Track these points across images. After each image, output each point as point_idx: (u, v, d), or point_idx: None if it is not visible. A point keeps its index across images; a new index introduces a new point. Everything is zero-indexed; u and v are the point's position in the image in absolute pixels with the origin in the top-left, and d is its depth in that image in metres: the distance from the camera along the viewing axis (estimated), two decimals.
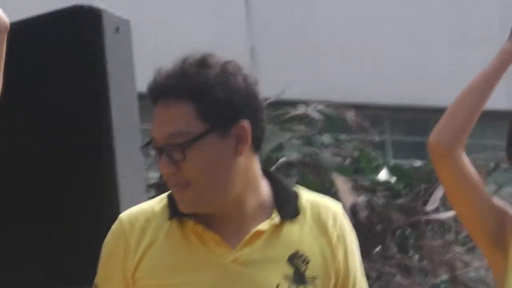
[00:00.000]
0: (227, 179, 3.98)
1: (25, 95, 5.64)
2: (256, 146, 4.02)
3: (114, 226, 4.18)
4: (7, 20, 4.48)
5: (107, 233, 4.27)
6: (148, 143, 4.09)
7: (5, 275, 5.97)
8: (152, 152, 4.16)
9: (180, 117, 3.92)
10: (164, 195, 4.23)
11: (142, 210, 4.24)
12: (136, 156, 6.06)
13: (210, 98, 3.91)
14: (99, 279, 4.13)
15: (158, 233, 4.07)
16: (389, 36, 19.74)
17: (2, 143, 5.22)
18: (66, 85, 6.16)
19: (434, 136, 4.76)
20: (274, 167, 12.18)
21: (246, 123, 3.90)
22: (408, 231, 12.16)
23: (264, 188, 4.05)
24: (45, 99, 6.04)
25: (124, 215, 4.20)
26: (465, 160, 4.80)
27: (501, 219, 4.80)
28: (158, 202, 4.17)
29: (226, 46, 15.77)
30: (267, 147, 12.65)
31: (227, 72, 3.89)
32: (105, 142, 5.91)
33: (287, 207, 4.06)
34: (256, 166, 4.03)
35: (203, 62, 3.91)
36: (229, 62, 3.94)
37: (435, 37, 22.06)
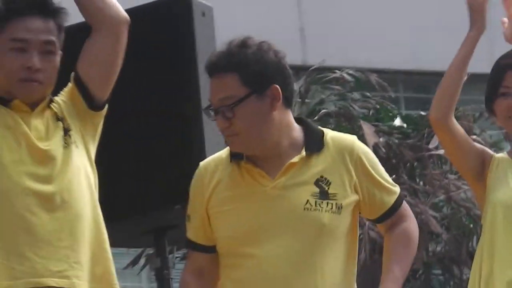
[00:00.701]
0: (265, 129, 4.26)
1: (133, 73, 4.85)
2: (287, 103, 4.31)
3: (196, 172, 4.48)
4: (126, 14, 4.41)
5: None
6: (208, 107, 4.38)
7: (129, 200, 5.90)
8: (212, 113, 4.40)
9: (228, 85, 4.19)
10: (227, 149, 4.48)
11: (213, 158, 4.54)
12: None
13: (249, 70, 4.23)
14: (189, 211, 4.45)
15: (224, 174, 4.38)
16: (400, 24, 19.33)
17: (122, 111, 5.15)
18: (165, 60, 6.20)
19: (432, 112, 5.06)
20: (316, 117, 12.15)
21: (277, 87, 4.23)
22: (415, 164, 12.07)
23: (297, 132, 4.31)
24: (149, 73, 6.01)
25: (201, 163, 4.49)
26: (455, 123, 5.05)
27: (481, 160, 5.09)
28: (225, 151, 4.42)
29: (280, 27, 15.57)
30: (312, 101, 12.75)
31: (261, 50, 4.18)
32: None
33: (313, 144, 4.31)
34: (289, 117, 4.29)
35: (243, 43, 4.22)
36: (263, 42, 4.23)
37: (432, 22, 20.98)
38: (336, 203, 4.24)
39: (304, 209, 4.20)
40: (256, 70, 4.30)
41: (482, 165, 5.14)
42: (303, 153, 4.28)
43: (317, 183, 4.29)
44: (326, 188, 4.27)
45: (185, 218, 4.58)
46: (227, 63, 4.36)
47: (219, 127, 4.40)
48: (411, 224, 4.45)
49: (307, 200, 4.19)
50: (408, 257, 4.42)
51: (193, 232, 4.41)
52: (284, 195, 4.26)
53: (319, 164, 4.33)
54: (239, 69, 4.30)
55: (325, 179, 4.34)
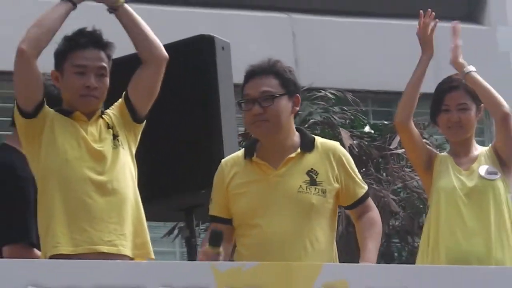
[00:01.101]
0: (285, 123, 4.59)
1: (170, 92, 4.70)
2: (295, 114, 4.80)
3: (218, 166, 4.77)
4: (166, 53, 4.63)
5: (217, 165, 4.85)
6: (240, 100, 4.67)
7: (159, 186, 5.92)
8: (243, 106, 4.67)
9: (270, 84, 4.53)
10: (242, 149, 4.89)
11: (232, 156, 4.87)
12: (232, 122, 6.23)
13: (285, 77, 4.59)
14: (212, 195, 4.70)
15: (240, 167, 4.68)
16: (371, 55, 18.93)
17: (166, 123, 5.68)
18: (194, 83, 6.20)
19: (397, 118, 5.55)
20: (307, 125, 12.13)
21: (299, 96, 4.70)
22: (380, 160, 12.20)
23: (296, 136, 4.68)
24: (182, 93, 6.06)
25: (223, 160, 4.84)
26: (413, 126, 5.42)
27: (429, 157, 5.46)
28: (240, 152, 4.79)
29: (278, 57, 15.71)
30: (303, 113, 12.41)
31: (290, 68, 4.66)
32: (215, 122, 6.07)
33: (307, 146, 4.67)
34: (293, 123, 4.74)
35: (278, 60, 4.63)
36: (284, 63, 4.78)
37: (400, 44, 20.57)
38: (322, 189, 4.56)
39: (298, 192, 4.50)
40: (290, 79, 4.68)
41: (430, 160, 5.44)
42: (299, 151, 4.59)
43: (308, 173, 4.57)
44: (315, 177, 4.56)
45: (209, 200, 4.79)
46: (270, 69, 4.69)
47: (252, 114, 4.59)
48: (376, 213, 4.74)
49: (300, 185, 4.51)
50: (378, 236, 4.70)
51: (216, 209, 4.67)
52: (283, 181, 4.55)
53: (310, 160, 4.62)
54: (279, 74, 4.64)
55: (314, 170, 4.60)
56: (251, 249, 4.63)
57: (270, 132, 4.60)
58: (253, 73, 4.70)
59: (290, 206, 4.59)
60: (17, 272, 3.72)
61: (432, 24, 5.37)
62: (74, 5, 4.57)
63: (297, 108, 4.85)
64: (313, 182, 4.61)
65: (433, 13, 5.29)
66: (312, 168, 4.64)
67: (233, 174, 4.76)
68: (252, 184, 4.63)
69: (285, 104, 4.73)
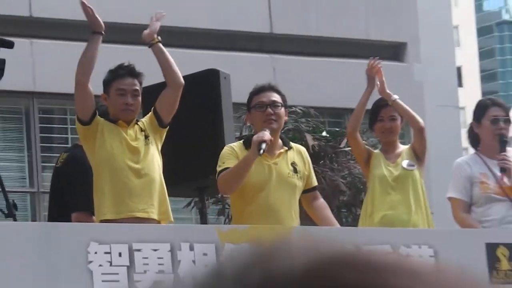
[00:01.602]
0: (281, 126, 5.01)
1: (186, 109, 5.06)
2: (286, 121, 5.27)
3: (228, 148, 4.92)
4: (183, 80, 4.80)
5: (218, 152, 5.02)
6: (257, 104, 4.84)
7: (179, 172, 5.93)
8: (258, 108, 4.89)
9: (276, 97, 4.76)
10: (241, 141, 5.13)
11: (234, 145, 5.04)
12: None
13: (282, 95, 4.83)
14: (225, 163, 4.72)
15: (243, 153, 4.75)
16: (328, 81, 18.69)
17: (184, 129, 5.75)
18: (203, 103, 6.29)
19: (348, 128, 5.71)
20: (282, 130, 11.59)
21: (287, 110, 5.08)
22: (333, 155, 12.08)
23: (279, 139, 4.89)
24: (194, 109, 6.07)
25: (229, 145, 5.06)
26: (358, 134, 5.49)
27: (368, 154, 5.52)
28: (239, 143, 4.99)
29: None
30: None
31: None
32: (219, 129, 6.09)
33: (288, 145, 4.92)
34: None
35: (275, 86, 5.06)
36: None
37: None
38: (300, 176, 4.84)
39: (287, 176, 4.76)
40: (284, 97, 4.97)
41: (368, 156, 5.49)
42: (285, 148, 4.87)
43: (292, 164, 4.86)
44: (296, 168, 4.85)
45: (216, 176, 4.86)
46: (274, 88, 5.05)
47: (266, 114, 4.89)
48: (323, 200, 5.18)
49: (288, 172, 4.78)
50: (331, 213, 5.20)
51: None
52: (277, 167, 4.80)
53: (291, 156, 4.91)
54: (279, 93, 4.96)
55: (295, 163, 4.90)
56: (254, 214, 4.79)
57: (276, 130, 4.83)
58: (263, 88, 4.97)
59: (283, 185, 4.83)
60: (83, 231, 4.09)
61: (377, 66, 5.30)
62: (102, 34, 4.72)
63: (287, 118, 5.41)
64: (295, 171, 4.84)
65: (379, 59, 5.30)
66: (293, 161, 4.89)
67: (241, 155, 4.83)
68: (256, 166, 4.71)
69: (283, 112, 5.00)
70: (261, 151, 4.78)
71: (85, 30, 5.62)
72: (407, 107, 5.52)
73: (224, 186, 4.98)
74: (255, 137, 4.77)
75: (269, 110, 4.84)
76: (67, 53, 7.87)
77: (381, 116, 5.41)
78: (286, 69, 18.55)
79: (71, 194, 5.23)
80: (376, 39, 15.33)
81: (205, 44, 15.85)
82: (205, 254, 3.89)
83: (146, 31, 4.90)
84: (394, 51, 14.72)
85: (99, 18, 4.80)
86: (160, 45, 4.92)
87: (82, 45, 5.16)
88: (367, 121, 6.06)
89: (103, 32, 4.86)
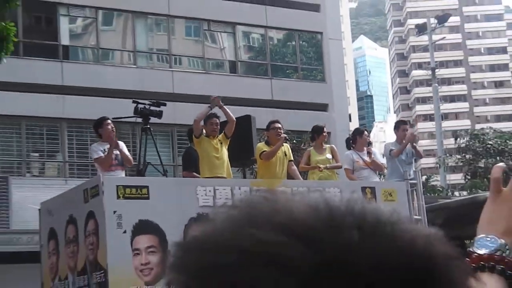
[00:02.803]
0: None
1: (236, 133, 8.86)
2: None
3: (260, 145, 9.04)
4: (234, 118, 8.46)
5: (250, 149, 9.39)
6: (278, 130, 8.69)
7: None
8: (277, 130, 8.72)
9: (282, 125, 8.69)
10: (263, 142, 9.11)
11: (262, 143, 9.10)
12: (255, 140, 9.78)
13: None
14: (261, 149, 8.76)
15: (266, 148, 8.75)
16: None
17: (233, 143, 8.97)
18: (244, 132, 9.52)
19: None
20: None
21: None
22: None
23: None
24: (237, 136, 9.00)
25: (260, 143, 9.13)
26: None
27: (308, 157, 9.35)
28: (263, 143, 9.04)
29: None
30: None
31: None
32: (250, 144, 9.42)
33: (290, 151, 9.16)
34: None
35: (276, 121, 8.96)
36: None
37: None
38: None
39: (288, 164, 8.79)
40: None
41: (309, 154, 9.28)
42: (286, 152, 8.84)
43: (289, 161, 8.89)
44: (292, 161, 8.91)
45: (259, 155, 8.76)
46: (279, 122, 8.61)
47: (282, 135, 8.72)
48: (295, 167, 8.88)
49: (288, 163, 8.75)
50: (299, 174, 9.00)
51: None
52: (285, 161, 8.68)
53: (288, 153, 8.86)
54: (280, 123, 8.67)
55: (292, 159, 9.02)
56: (265, 177, 8.43)
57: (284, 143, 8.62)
58: (277, 121, 8.77)
59: (282, 165, 8.61)
60: (191, 183, 7.63)
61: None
62: (210, 108, 8.32)
63: None
64: (284, 156, 8.63)
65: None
66: (290, 159, 8.80)
67: (266, 148, 8.54)
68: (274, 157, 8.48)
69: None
70: None
71: None
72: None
73: (267, 158, 8.45)
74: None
75: (284, 133, 8.59)
76: None
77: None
78: (283, 93, 20.20)
79: (185, 162, 8.99)
80: None
81: None
82: (245, 191, 7.20)
83: (216, 99, 8.35)
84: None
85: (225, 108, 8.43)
86: (224, 107, 8.43)
87: None
88: None
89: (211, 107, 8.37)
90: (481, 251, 0.96)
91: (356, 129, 10.28)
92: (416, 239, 0.51)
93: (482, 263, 0.95)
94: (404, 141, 9.21)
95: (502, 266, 0.95)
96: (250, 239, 0.51)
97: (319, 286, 0.49)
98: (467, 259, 0.93)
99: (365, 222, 0.51)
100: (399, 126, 9.65)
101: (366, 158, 9.12)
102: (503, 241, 0.98)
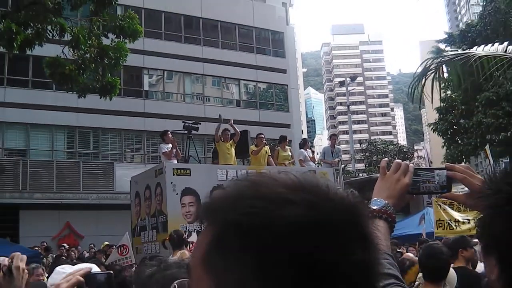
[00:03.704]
0: None
1: (240, 142, 11.32)
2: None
3: (252, 146, 11.41)
4: (239, 132, 10.58)
5: (246, 149, 11.59)
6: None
7: None
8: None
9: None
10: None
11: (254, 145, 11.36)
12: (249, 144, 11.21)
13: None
14: (253, 148, 11.07)
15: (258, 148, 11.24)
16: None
17: None
18: (244, 142, 11.76)
19: None
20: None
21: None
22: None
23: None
24: (243, 143, 11.42)
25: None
26: None
27: (277, 153, 12.51)
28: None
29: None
30: None
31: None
32: (246, 149, 11.35)
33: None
34: None
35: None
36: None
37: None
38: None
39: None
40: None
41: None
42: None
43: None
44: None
45: (250, 152, 11.79)
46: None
47: (264, 139, 11.31)
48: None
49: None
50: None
51: None
52: (265, 155, 11.28)
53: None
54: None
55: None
56: (257, 164, 10.68)
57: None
58: (261, 133, 11.16)
59: (266, 161, 10.93)
60: (214, 167, 10.52)
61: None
62: (226, 125, 10.85)
63: None
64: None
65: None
66: (269, 154, 11.14)
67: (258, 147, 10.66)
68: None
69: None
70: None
71: None
72: None
73: (255, 154, 10.64)
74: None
75: (262, 139, 10.39)
76: None
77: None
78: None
79: (212, 156, 11.93)
80: None
81: None
82: (243, 173, 9.29)
83: (230, 121, 10.81)
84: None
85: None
86: (234, 126, 10.85)
87: None
88: None
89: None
90: (375, 207, 1.34)
91: (304, 139, 14.09)
92: (342, 194, 0.71)
93: (375, 214, 1.33)
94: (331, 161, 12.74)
95: (385, 216, 1.33)
96: (255, 193, 0.68)
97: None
98: None
99: (317, 187, 0.70)
100: (331, 137, 13.75)
101: (310, 155, 12.83)
102: (386, 201, 1.35)
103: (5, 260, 2.11)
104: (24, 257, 2.07)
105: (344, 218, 0.69)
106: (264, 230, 0.64)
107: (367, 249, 0.68)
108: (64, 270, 2.26)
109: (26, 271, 2.04)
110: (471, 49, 6.86)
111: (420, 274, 4.45)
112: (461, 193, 1.40)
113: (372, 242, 0.70)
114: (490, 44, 6.73)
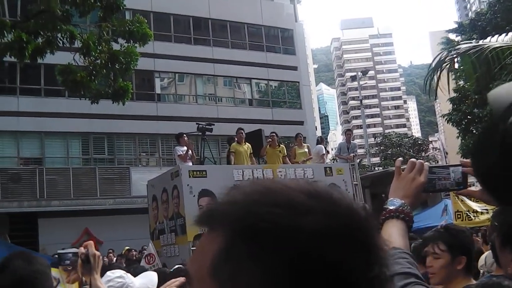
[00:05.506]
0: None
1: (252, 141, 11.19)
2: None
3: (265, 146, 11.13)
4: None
5: (260, 148, 11.45)
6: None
7: None
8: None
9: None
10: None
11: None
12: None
13: None
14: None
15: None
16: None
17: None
18: (258, 140, 11.73)
19: None
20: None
21: None
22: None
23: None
24: (256, 142, 11.58)
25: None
26: None
27: (294, 151, 12.43)
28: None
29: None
30: None
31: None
32: (260, 147, 11.19)
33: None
34: None
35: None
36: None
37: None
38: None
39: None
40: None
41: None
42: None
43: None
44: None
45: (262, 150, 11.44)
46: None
47: (276, 137, 11.29)
48: None
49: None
50: None
51: None
52: (279, 154, 11.17)
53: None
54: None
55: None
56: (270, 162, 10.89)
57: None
58: (274, 132, 11.04)
59: (280, 160, 10.79)
60: (229, 168, 10.43)
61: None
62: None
63: None
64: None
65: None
66: (284, 154, 10.95)
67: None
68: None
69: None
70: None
71: None
72: None
73: (262, 152, 10.52)
74: None
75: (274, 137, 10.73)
76: None
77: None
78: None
79: (227, 157, 11.61)
80: None
81: None
82: (259, 172, 10.39)
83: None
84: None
85: None
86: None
87: None
88: None
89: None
90: (391, 207, 1.37)
91: (320, 137, 14.26)
92: (347, 202, 0.69)
93: (392, 213, 1.35)
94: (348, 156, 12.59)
95: (403, 215, 1.35)
96: (271, 201, 0.67)
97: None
98: (384, 211, 1.36)
99: (322, 196, 0.68)
100: (345, 132, 13.59)
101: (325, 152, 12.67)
102: (403, 201, 1.37)
103: (81, 249, 2.33)
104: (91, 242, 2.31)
105: (359, 227, 0.68)
106: (285, 240, 0.62)
107: (379, 262, 0.68)
108: (115, 275, 2.51)
109: (101, 257, 2.30)
110: (483, 39, 6.85)
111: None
112: (477, 189, 1.38)
113: (384, 255, 0.69)
114: (504, 34, 6.69)
